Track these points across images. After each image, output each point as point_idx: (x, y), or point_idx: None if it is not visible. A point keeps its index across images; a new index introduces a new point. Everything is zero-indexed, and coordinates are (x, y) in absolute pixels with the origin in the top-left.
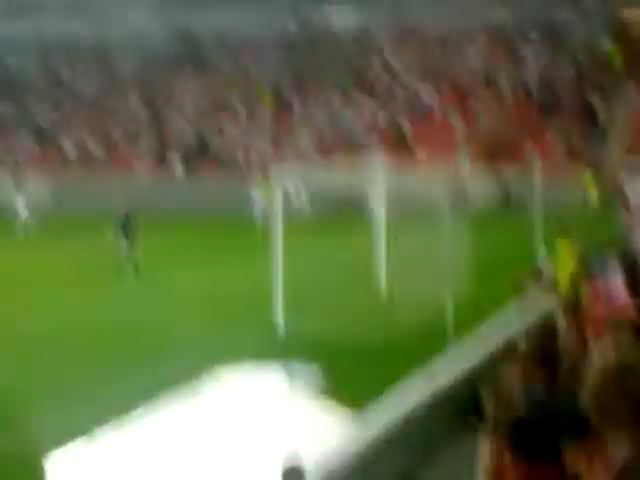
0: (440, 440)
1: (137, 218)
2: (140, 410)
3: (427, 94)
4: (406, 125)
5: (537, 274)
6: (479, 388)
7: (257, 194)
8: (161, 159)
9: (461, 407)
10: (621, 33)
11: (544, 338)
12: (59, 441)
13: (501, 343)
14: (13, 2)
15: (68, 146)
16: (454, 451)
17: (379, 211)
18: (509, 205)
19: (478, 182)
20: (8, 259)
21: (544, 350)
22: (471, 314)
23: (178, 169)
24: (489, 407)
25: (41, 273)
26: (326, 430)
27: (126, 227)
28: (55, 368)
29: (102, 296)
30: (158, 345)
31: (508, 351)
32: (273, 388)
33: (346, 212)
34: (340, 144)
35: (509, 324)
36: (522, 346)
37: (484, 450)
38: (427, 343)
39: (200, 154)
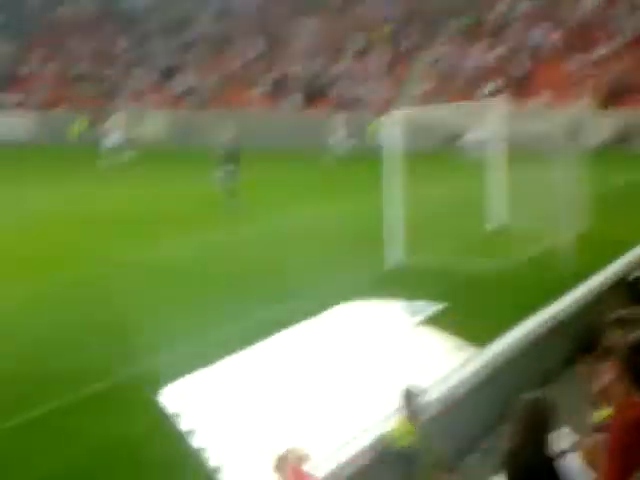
0: (556, 365)
1: (240, 152)
2: (257, 346)
3: (547, 35)
4: (526, 66)
5: None
6: (597, 315)
7: (371, 131)
8: (277, 95)
9: (578, 335)
10: None
11: None
12: (180, 373)
13: (617, 275)
14: None
15: (186, 82)
16: (569, 376)
17: (495, 149)
18: (627, 144)
19: (597, 121)
20: (123, 192)
21: None
22: (589, 249)
23: (293, 106)
24: (610, 332)
25: (159, 206)
26: (444, 362)
27: (230, 160)
28: (171, 300)
29: (213, 231)
30: (271, 281)
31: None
32: (391, 323)
33: (460, 151)
34: (459, 85)
35: (627, 259)
36: None
37: (600, 373)
38: (543, 276)
39: (316, 92)
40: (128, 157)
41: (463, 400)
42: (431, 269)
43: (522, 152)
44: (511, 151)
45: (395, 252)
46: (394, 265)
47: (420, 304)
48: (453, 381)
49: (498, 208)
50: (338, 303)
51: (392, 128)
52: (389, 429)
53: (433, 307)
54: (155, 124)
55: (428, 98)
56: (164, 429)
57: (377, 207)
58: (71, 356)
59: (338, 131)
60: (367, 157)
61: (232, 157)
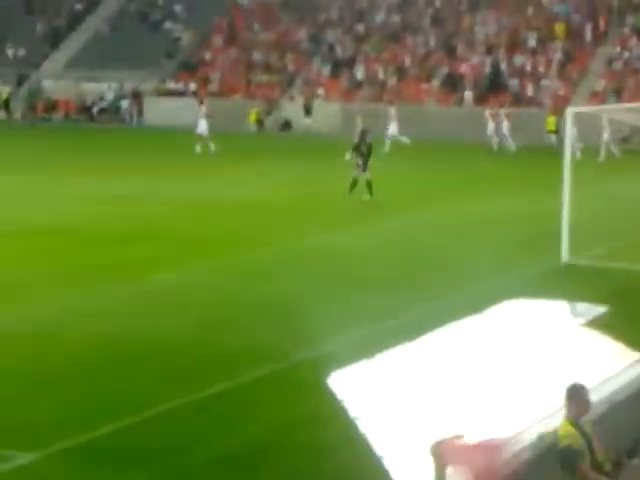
0: None
1: (370, 141)
2: (423, 337)
3: None
4: None
5: None
6: None
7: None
8: (452, 89)
9: None
10: None
11: None
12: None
13: None
14: None
15: (360, 73)
16: None
17: None
18: None
19: None
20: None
21: None
22: None
23: (468, 99)
24: None
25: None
26: (607, 365)
27: (361, 149)
28: (343, 287)
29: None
30: (438, 272)
31: None
32: (556, 322)
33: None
34: (635, 83)
35: None
36: None
37: None
38: None
39: (491, 87)
40: None
41: (626, 403)
42: (600, 268)
43: None
44: None
45: (567, 249)
46: (565, 262)
47: (583, 305)
48: (616, 384)
49: None
50: (506, 298)
51: (569, 125)
52: (552, 427)
53: (596, 309)
54: (330, 115)
55: (604, 97)
56: (332, 413)
57: (553, 204)
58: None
59: (502, 125)
60: (543, 152)
61: (363, 150)
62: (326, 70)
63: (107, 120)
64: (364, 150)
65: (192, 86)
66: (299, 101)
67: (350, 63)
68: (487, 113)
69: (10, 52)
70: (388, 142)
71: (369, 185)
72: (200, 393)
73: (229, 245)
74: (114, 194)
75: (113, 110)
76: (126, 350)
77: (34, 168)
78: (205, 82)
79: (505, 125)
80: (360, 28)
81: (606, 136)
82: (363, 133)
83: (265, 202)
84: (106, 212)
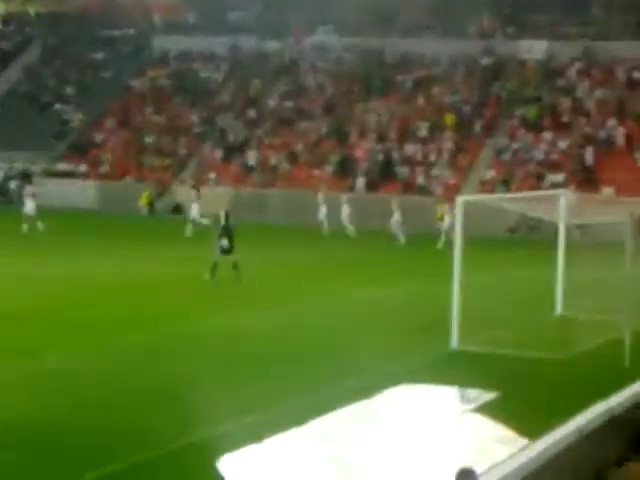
0: (608, 463)
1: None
2: (316, 419)
3: (613, 129)
4: (591, 159)
5: None
6: None
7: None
8: (343, 175)
9: (634, 433)
10: None
11: None
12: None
13: None
14: (211, 19)
15: (252, 159)
16: (620, 476)
17: (561, 238)
18: None
19: None
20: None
21: None
22: None
23: (360, 186)
24: None
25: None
26: (498, 452)
27: (226, 229)
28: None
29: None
30: (329, 355)
31: None
32: (446, 408)
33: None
34: (523, 174)
35: None
36: None
37: None
38: (604, 367)
39: (382, 174)
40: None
41: None
42: (489, 355)
43: (589, 242)
44: (577, 240)
45: (456, 336)
46: (453, 349)
47: (473, 391)
48: (505, 469)
49: (562, 297)
50: (395, 384)
51: (458, 214)
52: None
53: (486, 395)
54: (221, 200)
55: (493, 186)
56: None
57: (440, 291)
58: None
59: (395, 214)
60: (430, 241)
61: (226, 232)
62: (218, 154)
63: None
64: (230, 232)
65: (82, 167)
66: (189, 185)
67: (242, 148)
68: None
69: None
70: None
71: (235, 266)
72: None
73: (115, 328)
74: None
75: (1, 190)
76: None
77: None
78: (96, 164)
79: (395, 218)
80: (252, 113)
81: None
82: (227, 215)
83: (154, 284)
84: None
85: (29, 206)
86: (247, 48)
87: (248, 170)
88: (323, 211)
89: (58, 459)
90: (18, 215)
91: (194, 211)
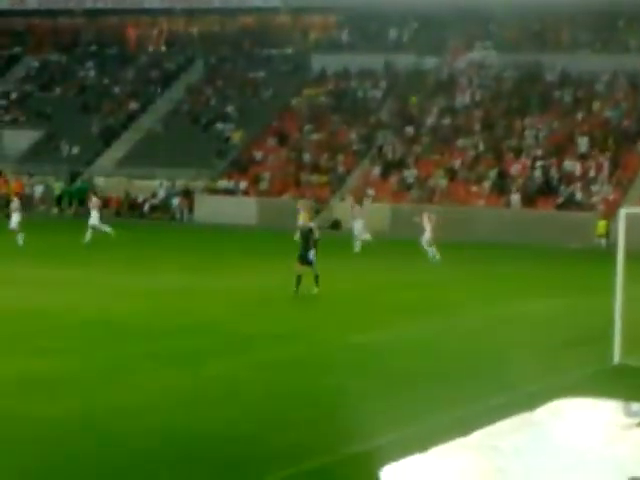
0: None
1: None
2: (479, 430)
3: None
4: None
5: None
6: None
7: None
8: (501, 191)
9: None
10: None
11: None
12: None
13: None
14: (368, 37)
15: (410, 176)
16: None
17: None
18: None
19: None
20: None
21: None
22: None
23: (515, 202)
24: None
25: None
26: None
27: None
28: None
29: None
30: (490, 367)
31: None
32: (610, 421)
33: None
34: None
35: None
36: None
37: None
38: None
39: (540, 190)
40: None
41: None
42: None
43: None
44: None
45: (618, 350)
46: (615, 363)
47: (638, 405)
48: None
49: None
50: (557, 397)
51: (621, 225)
52: None
53: None
54: (379, 216)
55: None
56: None
57: (600, 305)
58: None
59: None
60: (593, 255)
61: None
62: (376, 171)
63: (158, 217)
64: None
65: (242, 185)
66: (348, 201)
67: (400, 164)
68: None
69: (64, 149)
70: (357, 243)
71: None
72: None
73: (276, 340)
74: (162, 289)
75: (164, 207)
76: (178, 442)
77: (88, 263)
78: (255, 181)
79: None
80: (410, 130)
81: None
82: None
83: (319, 298)
84: (154, 305)
85: (93, 218)
86: (404, 65)
87: (406, 186)
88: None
89: (218, 468)
90: (181, 230)
91: (358, 227)
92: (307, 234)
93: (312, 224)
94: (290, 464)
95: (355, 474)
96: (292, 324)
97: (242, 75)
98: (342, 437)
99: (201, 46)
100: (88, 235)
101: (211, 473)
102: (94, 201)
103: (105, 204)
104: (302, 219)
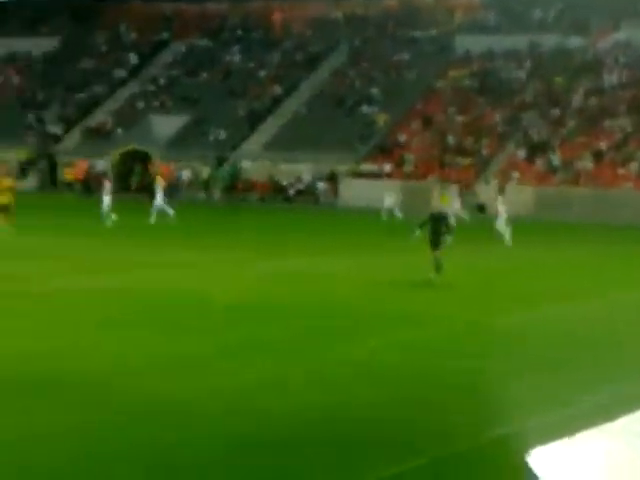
0: None
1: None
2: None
3: None
4: None
5: None
6: None
7: None
8: None
9: None
10: None
11: None
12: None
13: None
14: (513, 18)
15: (556, 158)
16: None
17: None
18: None
19: None
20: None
21: None
22: None
23: None
24: None
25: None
26: None
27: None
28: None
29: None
30: (633, 354)
31: None
32: None
33: None
34: None
35: None
36: None
37: None
38: None
39: None
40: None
41: None
42: None
43: None
44: None
45: None
46: None
47: None
48: None
49: None
50: None
51: None
52: None
53: None
54: (523, 199)
55: None
56: None
57: None
58: None
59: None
60: None
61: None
62: (521, 153)
63: (303, 201)
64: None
65: (387, 167)
66: (493, 185)
67: (545, 147)
68: None
69: (211, 134)
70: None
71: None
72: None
73: (407, 321)
74: (300, 271)
75: (309, 191)
76: (321, 422)
77: (233, 247)
78: (399, 164)
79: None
80: (556, 112)
81: None
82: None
83: (452, 282)
84: (295, 289)
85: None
86: (549, 46)
87: (552, 169)
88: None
89: (358, 452)
90: (326, 214)
91: (500, 211)
92: (439, 219)
93: (448, 210)
94: (436, 447)
95: (501, 457)
96: (427, 306)
97: (386, 57)
98: (486, 420)
99: (345, 29)
100: (153, 217)
101: (355, 454)
102: (159, 181)
103: (250, 188)
104: (435, 203)
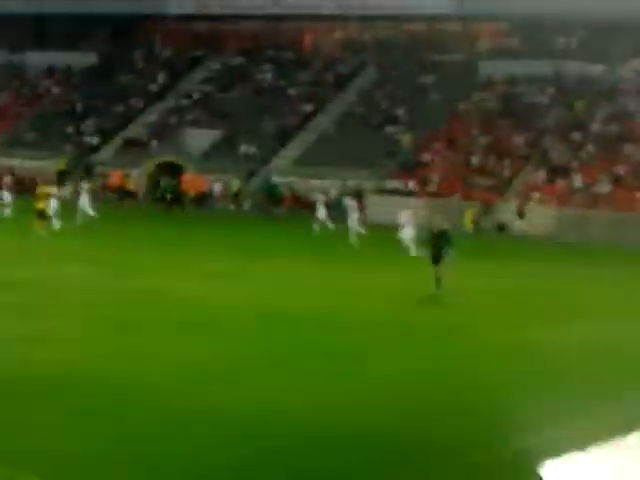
0: None
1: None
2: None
3: None
4: None
5: None
6: None
7: None
8: None
9: None
10: None
11: None
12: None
13: None
14: (536, 44)
15: (576, 181)
16: None
17: None
18: None
19: None
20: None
21: None
22: None
23: None
24: None
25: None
26: None
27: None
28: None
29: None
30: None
31: None
32: None
33: None
34: None
35: None
36: None
37: None
38: None
39: None
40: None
41: None
42: None
43: None
44: None
45: None
46: None
47: None
48: None
49: None
50: None
51: None
52: None
53: None
54: (543, 219)
55: None
56: None
57: None
58: None
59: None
60: None
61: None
62: (541, 175)
63: (330, 216)
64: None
65: (411, 185)
66: (513, 205)
67: (565, 169)
68: None
69: (242, 148)
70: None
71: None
72: None
73: (439, 332)
74: (334, 284)
75: (336, 206)
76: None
77: (265, 257)
78: (424, 182)
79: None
80: (576, 136)
81: None
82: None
83: (485, 292)
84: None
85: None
86: (571, 72)
87: (571, 191)
88: None
89: (392, 459)
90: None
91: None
92: (439, 236)
93: (447, 226)
94: (458, 455)
95: (516, 468)
96: (461, 316)
97: (412, 80)
98: (506, 433)
99: (373, 52)
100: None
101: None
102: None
103: (278, 202)
104: (434, 222)
